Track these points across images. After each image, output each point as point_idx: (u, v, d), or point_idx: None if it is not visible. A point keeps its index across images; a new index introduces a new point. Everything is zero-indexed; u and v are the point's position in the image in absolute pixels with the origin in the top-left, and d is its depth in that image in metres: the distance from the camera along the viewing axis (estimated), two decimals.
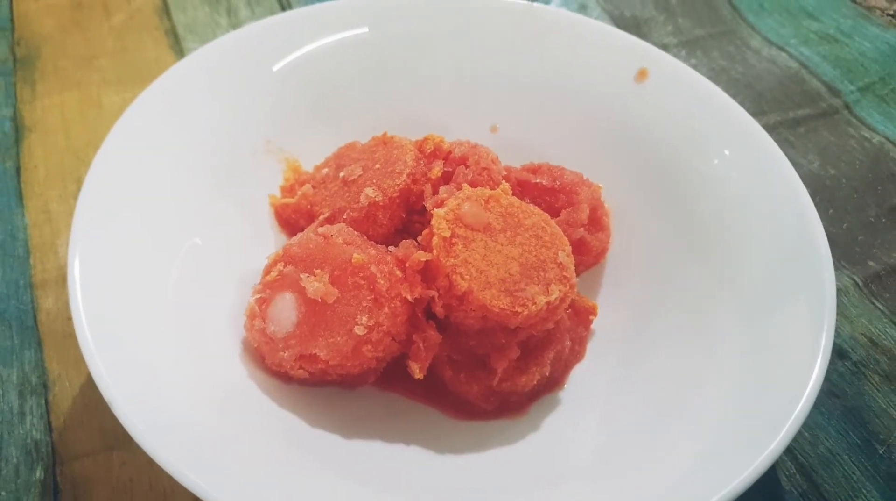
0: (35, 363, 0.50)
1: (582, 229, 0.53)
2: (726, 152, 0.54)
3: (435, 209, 0.47)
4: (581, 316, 0.53)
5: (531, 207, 0.50)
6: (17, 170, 0.60)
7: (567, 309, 0.52)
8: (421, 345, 0.46)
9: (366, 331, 0.44)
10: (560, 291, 0.46)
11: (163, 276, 0.47)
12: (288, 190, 0.56)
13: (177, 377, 0.42)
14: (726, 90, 0.56)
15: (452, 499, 0.42)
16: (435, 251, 0.45)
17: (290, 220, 0.55)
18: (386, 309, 0.45)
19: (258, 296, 0.46)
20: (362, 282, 0.45)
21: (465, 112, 0.61)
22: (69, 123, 0.64)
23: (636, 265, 0.55)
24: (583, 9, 0.82)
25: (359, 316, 0.44)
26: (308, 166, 0.57)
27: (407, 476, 0.44)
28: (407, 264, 0.46)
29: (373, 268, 0.45)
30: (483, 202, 0.48)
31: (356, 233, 0.48)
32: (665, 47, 0.78)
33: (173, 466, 0.36)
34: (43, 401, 0.49)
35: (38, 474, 0.46)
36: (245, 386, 0.45)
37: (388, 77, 0.60)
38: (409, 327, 0.46)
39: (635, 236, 0.56)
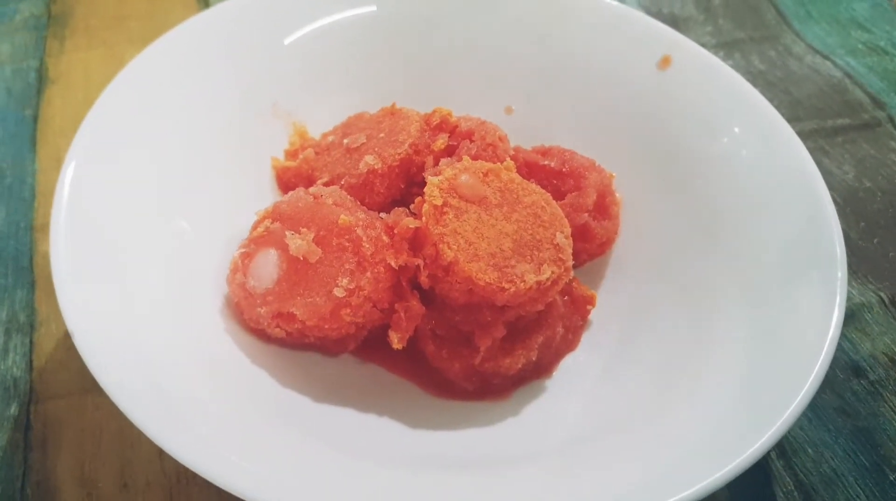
0: (25, 302, 0.51)
1: (587, 214, 0.51)
2: (746, 151, 0.51)
3: (429, 177, 0.46)
4: (578, 305, 0.50)
5: (533, 185, 0.48)
6: (35, 118, 0.61)
7: (564, 296, 0.50)
8: (402, 315, 0.45)
9: (345, 294, 0.43)
10: (553, 272, 0.44)
11: (152, 225, 0.46)
12: (292, 154, 0.55)
13: (151, 322, 0.42)
14: (761, 93, 0.53)
15: (417, 470, 0.40)
16: (424, 219, 0.44)
17: (291, 184, 0.54)
18: (368, 274, 0.43)
19: (242, 251, 0.45)
20: (347, 244, 0.44)
21: (480, 91, 0.59)
22: (90, 79, 0.64)
23: (642, 258, 0.53)
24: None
25: (340, 278, 0.43)
26: (316, 135, 0.57)
27: (373, 443, 0.42)
28: (395, 231, 0.45)
29: (359, 231, 0.44)
30: (481, 175, 0.47)
31: (348, 196, 0.47)
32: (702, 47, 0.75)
33: (127, 406, 0.36)
34: (28, 340, 0.49)
35: (13, 410, 0.46)
36: (222, 341, 0.45)
37: (403, 51, 0.59)
38: (392, 295, 0.45)
39: (645, 228, 0.54)
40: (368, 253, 0.43)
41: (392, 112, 0.54)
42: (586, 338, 0.50)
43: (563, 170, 0.53)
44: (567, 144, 0.56)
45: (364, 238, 0.44)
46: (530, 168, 0.53)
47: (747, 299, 0.46)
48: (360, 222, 0.44)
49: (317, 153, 0.55)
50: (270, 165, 0.55)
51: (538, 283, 0.44)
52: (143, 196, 0.47)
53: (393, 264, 0.44)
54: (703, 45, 0.74)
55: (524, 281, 0.43)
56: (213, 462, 0.35)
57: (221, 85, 0.53)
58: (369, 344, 0.47)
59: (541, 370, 0.48)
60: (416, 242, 0.45)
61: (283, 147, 0.55)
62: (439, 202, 0.44)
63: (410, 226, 0.44)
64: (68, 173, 0.43)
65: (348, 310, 0.43)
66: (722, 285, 0.48)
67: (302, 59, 0.56)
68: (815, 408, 0.51)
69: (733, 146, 0.52)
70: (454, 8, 0.59)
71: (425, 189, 0.45)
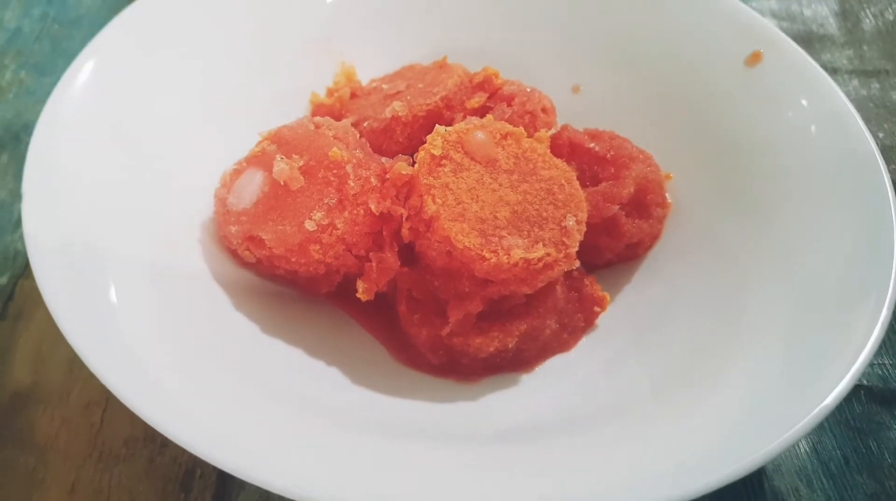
0: None
1: (618, 207, 0.45)
2: (822, 167, 0.43)
3: (438, 126, 0.42)
4: (585, 304, 0.45)
5: (558, 161, 0.43)
6: None
7: (571, 292, 0.45)
8: (375, 265, 0.41)
9: (316, 228, 0.40)
10: (547, 253, 0.39)
11: (187, 128, 0.46)
12: (333, 93, 0.53)
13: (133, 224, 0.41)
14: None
15: (345, 424, 0.36)
16: (416, 166, 0.40)
17: None
18: (347, 213, 0.40)
19: (234, 167, 0.44)
20: (333, 179, 0.41)
21: (549, 63, 0.54)
22: None
23: (680, 269, 0.46)
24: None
25: (315, 212, 0.40)
26: (365, 79, 0.54)
27: (314, 390, 0.39)
28: (387, 176, 0.42)
29: (348, 168, 0.41)
30: (498, 136, 0.42)
31: (356, 134, 0.44)
32: (834, 70, 0.66)
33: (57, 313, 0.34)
34: None
35: (3, 279, 0.47)
36: (196, 261, 0.43)
37: (475, 12, 0.55)
38: (370, 243, 0.42)
39: (694, 236, 0.47)
40: (352, 192, 0.40)
41: (441, 66, 0.51)
42: (586, 342, 0.44)
43: (607, 156, 0.48)
44: (631, 133, 0.51)
45: (352, 176, 0.41)
46: (573, 148, 0.48)
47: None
48: (353, 160, 0.41)
49: (356, 96, 0.53)
50: (309, 99, 0.53)
51: (525, 261, 0.39)
52: (184, 99, 0.46)
53: (374, 208, 0.40)
54: (835, 68, 0.66)
55: (509, 255, 0.39)
56: (149, 401, 0.32)
57: (280, 9, 0.52)
58: (348, 293, 0.44)
59: (520, 362, 0.43)
60: (408, 191, 0.41)
61: (326, 84, 0.54)
62: (438, 153, 0.40)
63: (403, 173, 0.41)
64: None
65: (317, 246, 0.40)
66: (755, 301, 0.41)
67: (368, 5, 0.54)
68: None
69: (809, 160, 0.44)
70: None
71: (428, 136, 0.41)
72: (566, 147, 0.49)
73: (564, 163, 0.43)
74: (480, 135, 0.42)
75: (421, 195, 0.40)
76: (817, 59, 0.50)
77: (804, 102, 0.46)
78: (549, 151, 0.43)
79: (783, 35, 0.48)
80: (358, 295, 0.41)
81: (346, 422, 0.37)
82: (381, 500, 0.32)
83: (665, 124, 0.51)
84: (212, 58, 0.48)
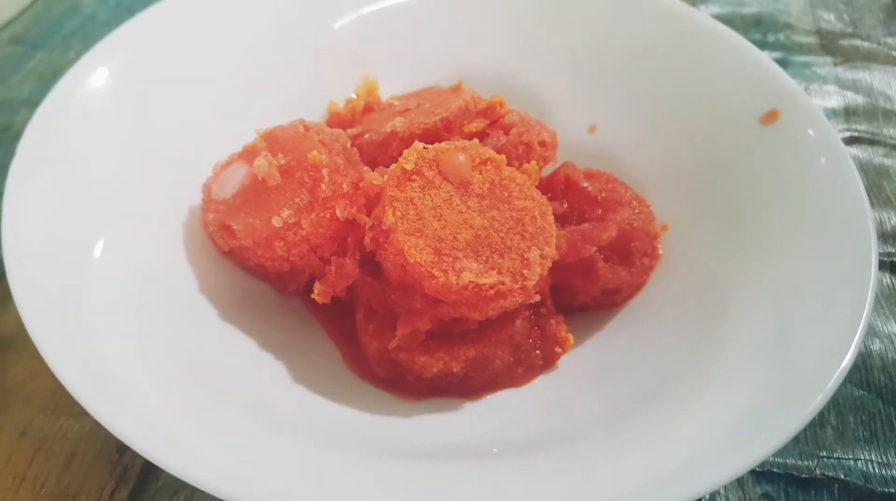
0: None
1: (595, 249, 0.44)
2: (827, 236, 0.41)
3: (416, 142, 0.42)
4: (546, 343, 0.44)
5: (536, 194, 0.43)
6: None
7: (533, 327, 0.44)
8: (333, 269, 0.42)
9: (282, 225, 0.41)
10: (500, 282, 0.39)
11: (205, 125, 0.48)
12: (350, 104, 0.55)
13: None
14: None
15: (277, 424, 0.37)
16: (386, 177, 0.41)
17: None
18: (313, 215, 0.41)
19: (226, 160, 0.46)
20: (307, 180, 0.42)
21: (568, 100, 0.54)
22: None
23: (658, 327, 0.44)
24: (819, 81, 0.68)
25: (284, 209, 0.41)
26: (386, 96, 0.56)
27: (258, 387, 0.40)
28: (360, 184, 0.42)
29: (324, 172, 0.42)
30: (478, 160, 0.42)
31: (343, 141, 0.45)
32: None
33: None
34: None
35: None
36: (175, 245, 0.45)
37: (499, 41, 0.56)
38: (335, 247, 0.43)
39: (684, 295, 0.45)
40: (322, 196, 0.41)
41: (455, 90, 0.52)
42: (543, 380, 0.43)
43: (598, 197, 0.47)
44: (639, 178, 0.50)
45: (326, 180, 0.42)
46: (568, 185, 0.48)
47: None
48: (330, 165, 0.42)
49: (372, 110, 0.54)
50: (326, 106, 0.55)
51: (476, 285, 0.38)
52: (201, 97, 0.49)
53: (339, 213, 0.41)
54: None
55: (459, 277, 0.38)
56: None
57: (309, 15, 0.54)
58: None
59: (466, 389, 0.42)
60: (375, 202, 0.42)
61: (346, 95, 0.55)
62: (409, 167, 0.41)
63: (374, 183, 0.42)
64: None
65: (282, 243, 0.41)
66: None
67: (398, 21, 0.56)
68: None
69: (808, 222, 0.42)
70: (573, 8, 0.55)
71: (405, 151, 0.42)
72: (562, 183, 0.48)
73: (543, 197, 0.43)
74: (461, 157, 0.42)
75: (384, 206, 0.40)
76: (879, 132, 0.47)
77: (811, 168, 0.43)
78: (529, 182, 0.43)
79: (803, 94, 0.46)
80: (313, 296, 0.42)
81: (278, 422, 0.38)
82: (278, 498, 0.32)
83: (674, 174, 0.50)
84: (233, 58, 0.51)
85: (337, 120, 0.54)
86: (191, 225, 0.46)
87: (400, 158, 0.41)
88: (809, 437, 0.43)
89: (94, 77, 0.45)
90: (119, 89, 0.46)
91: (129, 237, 0.42)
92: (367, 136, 0.49)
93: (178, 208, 0.46)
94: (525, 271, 0.40)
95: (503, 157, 0.43)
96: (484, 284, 0.39)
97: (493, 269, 0.39)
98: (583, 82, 0.54)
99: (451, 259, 0.39)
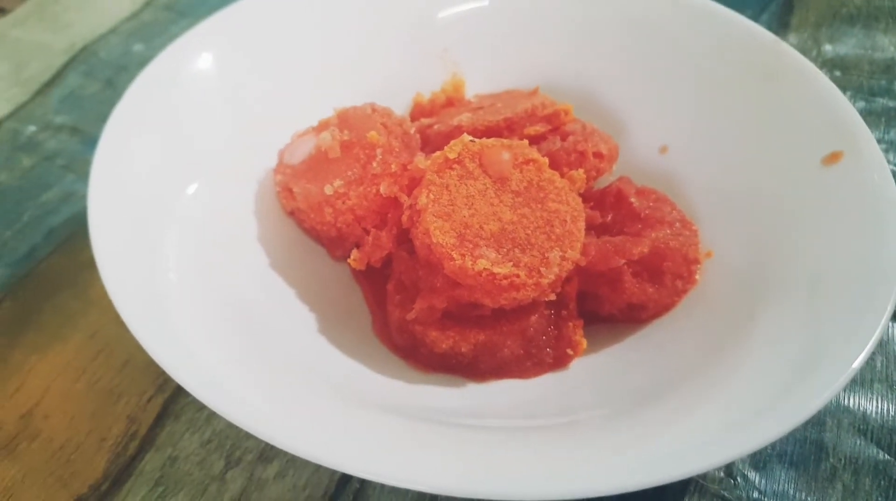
0: None
1: (624, 261, 0.45)
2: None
3: (458, 135, 0.45)
4: (560, 343, 0.45)
5: (572, 198, 0.44)
6: None
7: (549, 326, 0.46)
8: (370, 240, 0.45)
9: (332, 193, 0.45)
10: (515, 274, 0.41)
11: (297, 108, 0.53)
12: (435, 97, 0.58)
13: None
14: None
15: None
16: (429, 162, 0.44)
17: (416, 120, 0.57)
18: (361, 189, 0.45)
19: (303, 131, 0.50)
20: (362, 157, 0.46)
21: (645, 120, 0.55)
22: None
23: (678, 352, 0.44)
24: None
25: (336, 180, 0.46)
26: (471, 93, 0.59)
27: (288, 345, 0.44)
28: (408, 166, 0.46)
29: (378, 152, 0.46)
30: (520, 159, 0.44)
31: (405, 126, 0.49)
32: None
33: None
34: None
35: None
36: (248, 201, 0.50)
37: (587, 58, 0.57)
38: (378, 221, 0.46)
39: (713, 325, 0.45)
40: (372, 172, 0.45)
41: (530, 94, 0.54)
42: (551, 377, 0.45)
43: (642, 214, 0.47)
44: (699, 203, 0.50)
45: (378, 159, 0.45)
46: (618, 199, 0.49)
47: None
48: (385, 146, 0.46)
49: (453, 104, 0.57)
50: (412, 99, 0.58)
51: (490, 274, 0.41)
52: (297, 73, 0.55)
53: (382, 190, 0.45)
54: None
55: (475, 262, 0.41)
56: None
57: (407, 8, 0.58)
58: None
59: (473, 371, 0.45)
60: (419, 184, 0.45)
61: (434, 89, 0.59)
62: (453, 156, 0.44)
63: (420, 166, 0.45)
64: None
65: (331, 210, 0.46)
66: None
67: (490, 26, 0.59)
68: None
69: (852, 274, 0.40)
70: (662, 32, 0.55)
71: (452, 141, 0.45)
72: (612, 196, 0.49)
73: (579, 204, 0.44)
74: (505, 154, 0.45)
75: (422, 188, 0.43)
76: None
77: (862, 215, 0.42)
78: (569, 187, 0.45)
79: (871, 140, 0.44)
80: (349, 261, 0.46)
81: (301, 368, 0.42)
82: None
83: (730, 201, 0.49)
84: (331, 42, 0.56)
85: (419, 110, 0.57)
86: (266, 184, 0.51)
87: (446, 147, 0.44)
88: (815, 487, 0.42)
89: (199, 48, 0.51)
90: (222, 61, 0.51)
91: (214, 188, 0.48)
92: (436, 127, 0.52)
93: (260, 168, 0.51)
94: (542, 269, 0.42)
95: (546, 160, 0.45)
96: (498, 273, 0.41)
97: (510, 261, 0.41)
98: (662, 103, 0.55)
99: (471, 246, 0.42)
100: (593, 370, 0.45)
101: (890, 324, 0.50)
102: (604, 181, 0.52)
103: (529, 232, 0.43)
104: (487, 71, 0.59)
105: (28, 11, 0.71)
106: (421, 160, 0.45)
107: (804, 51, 0.72)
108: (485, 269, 0.41)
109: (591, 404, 0.43)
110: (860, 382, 0.47)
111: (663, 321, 0.47)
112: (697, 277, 0.47)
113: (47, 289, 0.50)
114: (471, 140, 0.45)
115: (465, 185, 0.43)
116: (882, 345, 0.49)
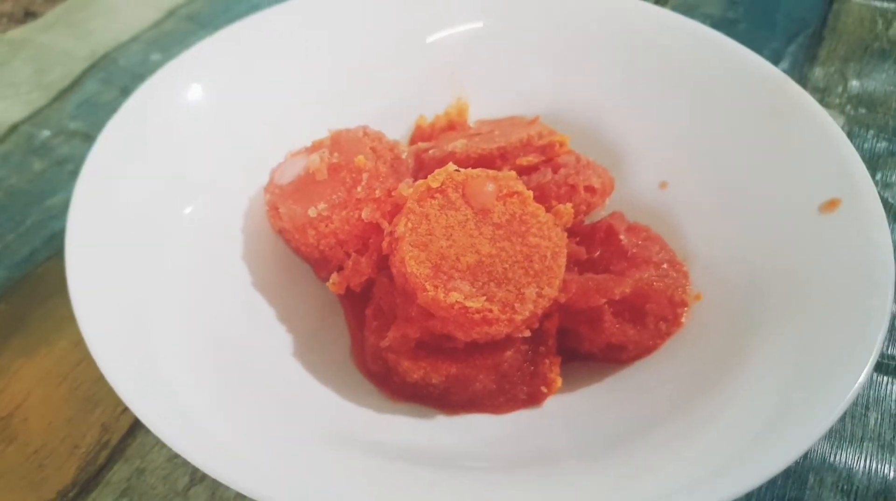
0: None
1: (605, 301, 0.44)
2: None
3: (451, 161, 0.45)
4: (535, 380, 0.44)
5: (555, 234, 0.43)
6: None
7: (525, 362, 0.45)
8: (350, 265, 0.45)
9: (316, 216, 0.45)
10: (486, 308, 0.40)
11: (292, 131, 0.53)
12: (436, 121, 0.58)
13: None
14: None
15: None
16: (411, 190, 0.44)
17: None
18: (344, 213, 0.45)
19: (296, 151, 0.51)
20: (348, 181, 0.46)
21: (645, 155, 0.54)
22: None
23: (654, 395, 0.43)
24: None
25: (320, 203, 0.46)
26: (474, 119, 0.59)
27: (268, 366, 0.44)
28: (392, 193, 0.46)
29: (364, 176, 0.46)
30: (504, 191, 0.44)
31: (397, 151, 0.48)
32: None
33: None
34: None
35: None
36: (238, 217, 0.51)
37: (593, 89, 0.56)
38: (360, 245, 0.46)
39: (693, 366, 0.44)
40: (356, 197, 0.45)
41: (530, 123, 0.54)
42: (525, 414, 0.44)
43: (629, 252, 0.46)
44: (691, 243, 0.49)
45: (363, 184, 0.45)
46: (608, 235, 0.48)
47: None
48: (371, 171, 0.46)
49: (454, 128, 0.57)
50: (415, 121, 0.58)
51: (461, 306, 0.40)
52: (295, 99, 0.54)
53: (364, 215, 0.45)
54: None
55: (447, 295, 0.40)
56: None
57: (417, 34, 0.58)
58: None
59: (445, 403, 0.44)
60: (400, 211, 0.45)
61: (436, 112, 0.59)
62: (435, 185, 0.43)
63: (403, 193, 0.45)
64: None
65: (313, 232, 0.46)
66: None
67: (495, 51, 0.58)
68: None
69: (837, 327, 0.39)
70: (674, 67, 0.54)
71: (437, 170, 0.44)
72: (602, 231, 0.48)
73: (562, 239, 0.44)
74: (489, 186, 0.44)
75: (402, 216, 0.43)
76: None
77: (852, 264, 0.40)
78: (553, 222, 0.44)
79: (871, 189, 0.42)
80: (328, 284, 0.46)
81: (263, 386, 0.42)
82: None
83: (725, 243, 0.48)
84: (334, 66, 0.56)
85: (419, 133, 0.57)
86: (258, 202, 0.51)
87: (430, 176, 0.44)
88: None
89: (196, 68, 0.52)
90: (219, 82, 0.52)
91: (208, 203, 0.49)
92: (431, 152, 0.52)
93: (254, 186, 0.52)
94: (517, 305, 0.41)
95: (531, 193, 0.44)
96: (470, 307, 0.40)
97: (483, 295, 0.41)
98: (665, 138, 0.53)
99: (446, 277, 0.41)
100: (568, 408, 0.44)
101: (889, 381, 0.48)
102: (597, 216, 0.51)
103: (507, 266, 0.42)
104: (493, 96, 0.58)
105: (56, 17, 0.73)
106: (404, 187, 0.45)
107: (829, 85, 0.70)
108: (457, 302, 0.40)
109: (564, 445, 0.42)
110: (849, 438, 0.45)
111: (645, 362, 0.45)
112: (683, 320, 0.46)
113: (41, 294, 0.51)
114: (455, 170, 0.44)
115: (446, 215, 0.43)
116: (878, 401, 0.47)
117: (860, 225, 0.42)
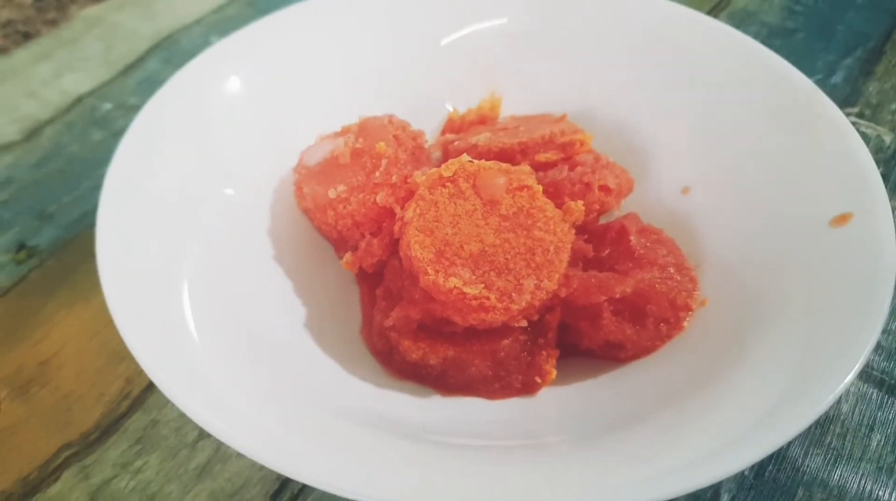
0: None
1: (605, 299, 0.44)
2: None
3: (473, 154, 0.47)
4: (530, 370, 0.46)
5: (561, 229, 0.44)
6: None
7: (523, 352, 0.46)
8: (363, 246, 0.48)
9: (335, 197, 0.48)
10: (484, 296, 0.42)
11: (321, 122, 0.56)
12: (468, 114, 0.60)
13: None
14: None
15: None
16: (423, 178, 0.46)
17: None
18: (361, 196, 0.47)
19: (326, 135, 0.53)
20: (368, 165, 0.48)
21: (670, 154, 0.54)
22: None
23: (648, 396, 0.44)
24: None
25: (340, 185, 0.48)
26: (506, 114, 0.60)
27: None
28: (407, 179, 0.47)
29: (383, 162, 0.48)
30: (515, 185, 0.45)
31: (418, 139, 0.50)
32: None
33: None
34: None
35: None
36: (268, 194, 0.53)
37: (625, 94, 0.57)
38: (375, 227, 0.48)
39: (688, 372, 0.44)
40: (374, 181, 0.47)
41: (557, 121, 0.55)
42: (517, 402, 0.45)
43: (636, 253, 0.47)
44: (707, 249, 0.50)
45: (382, 169, 0.47)
46: (619, 235, 0.49)
47: None
48: (391, 157, 0.48)
49: (484, 122, 0.59)
50: (447, 114, 0.60)
51: (459, 292, 0.42)
52: (331, 91, 0.57)
53: (378, 199, 0.47)
54: None
55: (447, 280, 0.42)
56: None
57: (452, 26, 0.60)
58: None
59: (442, 384, 0.46)
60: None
61: (470, 105, 0.60)
62: (447, 174, 0.45)
63: (417, 180, 0.46)
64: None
65: (332, 212, 0.48)
66: None
67: (531, 49, 0.59)
68: None
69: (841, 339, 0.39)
70: (704, 72, 0.54)
71: (451, 159, 0.46)
72: (614, 231, 0.49)
73: (569, 235, 0.45)
74: (500, 179, 0.45)
75: (412, 202, 0.45)
76: None
77: (857, 280, 0.40)
78: (561, 218, 0.45)
79: (885, 205, 0.42)
80: (342, 263, 0.48)
81: (275, 358, 0.45)
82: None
83: (735, 250, 0.48)
84: (369, 56, 0.58)
85: (450, 126, 0.59)
86: (288, 182, 0.54)
87: (443, 165, 0.46)
88: None
89: (230, 59, 0.55)
90: (256, 69, 0.55)
91: (243, 183, 0.52)
92: (456, 143, 0.54)
93: (286, 166, 0.55)
94: (514, 295, 0.42)
95: (541, 188, 0.45)
96: (468, 293, 0.42)
97: (482, 283, 0.42)
98: (692, 143, 0.53)
99: (448, 263, 0.43)
100: (561, 400, 0.45)
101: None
102: (613, 216, 0.51)
103: (509, 257, 0.43)
104: (526, 93, 0.60)
105: None
106: (418, 175, 0.47)
107: (882, 101, 0.68)
108: (455, 287, 0.42)
109: (556, 430, 0.43)
110: (847, 457, 0.45)
111: (643, 362, 0.46)
112: (685, 323, 0.46)
113: (87, 253, 0.55)
114: (469, 160, 0.46)
115: (454, 204, 0.45)
116: (885, 423, 0.46)
117: (866, 244, 0.41)
